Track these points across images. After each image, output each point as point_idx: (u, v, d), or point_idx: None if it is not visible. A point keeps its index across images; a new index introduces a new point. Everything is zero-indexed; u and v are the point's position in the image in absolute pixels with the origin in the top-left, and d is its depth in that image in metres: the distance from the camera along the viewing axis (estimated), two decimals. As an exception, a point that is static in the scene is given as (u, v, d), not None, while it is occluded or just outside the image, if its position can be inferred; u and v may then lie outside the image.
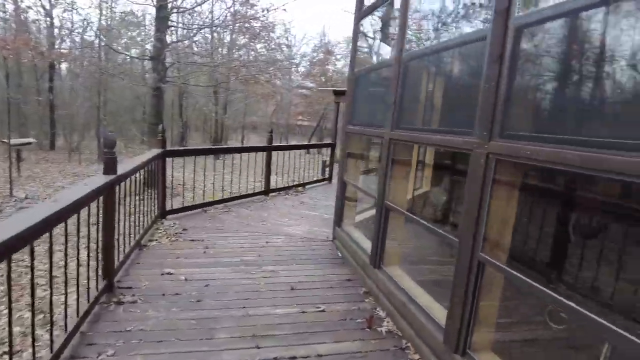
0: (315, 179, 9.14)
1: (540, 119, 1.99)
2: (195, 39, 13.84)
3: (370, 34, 4.65)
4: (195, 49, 15.70)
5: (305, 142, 38.42)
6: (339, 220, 4.81)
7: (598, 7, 1.72)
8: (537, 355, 2.97)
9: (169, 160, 5.49)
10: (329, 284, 3.74)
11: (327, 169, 9.61)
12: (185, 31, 13.55)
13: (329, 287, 3.66)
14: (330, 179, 9.57)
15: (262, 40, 17.49)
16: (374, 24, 4.58)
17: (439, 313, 2.65)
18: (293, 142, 45.54)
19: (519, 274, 2.00)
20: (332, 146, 9.43)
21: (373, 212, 5.98)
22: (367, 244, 4.04)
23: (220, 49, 19.48)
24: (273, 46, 20.47)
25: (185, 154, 5.91)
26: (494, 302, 2.32)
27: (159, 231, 4.87)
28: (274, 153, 7.59)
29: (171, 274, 3.69)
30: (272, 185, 7.64)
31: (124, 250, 3.67)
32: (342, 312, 3.20)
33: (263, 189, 7.34)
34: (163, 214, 5.34)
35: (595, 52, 1.77)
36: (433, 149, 5.59)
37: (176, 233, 4.86)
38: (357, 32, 4.52)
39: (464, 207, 2.32)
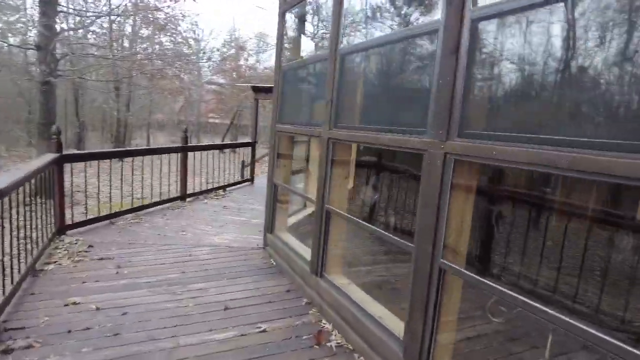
0: (235, 180, 8.66)
1: (505, 116, 1.90)
2: (92, 28, 12.31)
3: (298, 26, 4.39)
4: (92, 39, 14.08)
5: (219, 141, 37.07)
6: (270, 226, 4.50)
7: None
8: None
9: (67, 166, 4.68)
10: (267, 297, 3.42)
11: (248, 170, 9.19)
12: (78, 19, 12.03)
13: (267, 302, 3.34)
14: (252, 179, 9.16)
15: (168, 33, 16.32)
16: (302, 15, 4.32)
17: (394, 324, 2.49)
18: (206, 141, 43.64)
19: (486, 280, 1.90)
20: (253, 145, 9.02)
21: (306, 213, 5.82)
22: (306, 251, 3.80)
23: (120, 41, 17.75)
24: (180, 40, 19.27)
25: (88, 158, 5.12)
26: (455, 309, 2.22)
27: (59, 250, 4.12)
28: (190, 154, 6.97)
29: (78, 303, 3.08)
30: (189, 189, 7.03)
31: (11, 280, 2.98)
32: (286, 330, 2.91)
33: (179, 194, 6.72)
34: (62, 229, 4.55)
35: (560, 46, 1.71)
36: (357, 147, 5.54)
37: (80, 251, 4.15)
38: (282, 24, 4.23)
39: (420, 211, 2.18)
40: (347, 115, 3.10)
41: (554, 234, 3.76)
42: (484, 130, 1.91)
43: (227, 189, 8.14)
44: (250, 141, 9.06)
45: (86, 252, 4.17)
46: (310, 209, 5.82)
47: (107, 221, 5.25)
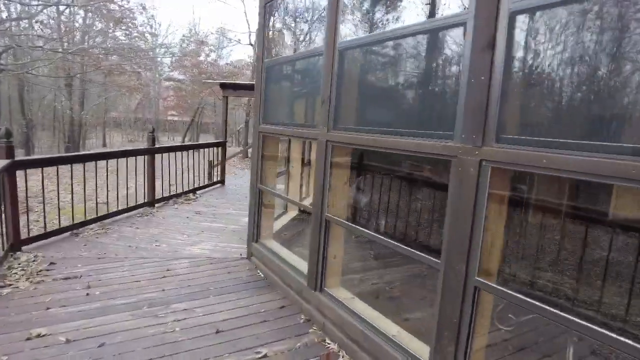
0: (205, 182, 8.20)
1: (553, 120, 1.71)
2: (40, 18, 11.31)
3: (283, 19, 4.09)
4: (38, 31, 12.98)
5: (179, 139, 35.73)
6: (255, 234, 4.18)
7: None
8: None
9: (20, 173, 4.14)
10: (261, 316, 3.13)
11: (216, 170, 8.73)
12: (21, 7, 11.02)
13: (261, 321, 3.05)
14: (223, 181, 8.73)
15: (123, 27, 15.40)
16: (287, 6, 4.03)
17: (414, 345, 2.29)
18: (165, 140, 42.16)
19: (529, 299, 1.72)
20: (223, 145, 8.59)
21: (290, 217, 5.53)
22: (299, 262, 3.53)
23: (71, 35, 16.56)
24: (136, 34, 18.30)
25: (45, 163, 4.54)
26: (486, 328, 2.03)
27: (14, 271, 3.62)
28: (157, 156, 6.48)
29: (43, 335, 2.66)
30: (158, 193, 6.56)
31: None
32: (288, 354, 2.64)
33: (147, 200, 6.23)
34: (16, 244, 4.03)
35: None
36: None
37: (40, 270, 3.67)
38: (264, 17, 3.92)
39: (450, 224, 1.97)
40: (349, 116, 2.85)
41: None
42: (530, 135, 1.72)
43: (198, 192, 7.69)
44: (220, 141, 8.62)
45: (48, 270, 3.69)
46: (293, 213, 5.56)
47: (69, 233, 4.74)
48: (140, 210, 6.02)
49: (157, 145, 6.33)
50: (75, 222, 4.89)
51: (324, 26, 2.99)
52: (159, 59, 19.27)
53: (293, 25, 3.96)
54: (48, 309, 3.02)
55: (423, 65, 2.29)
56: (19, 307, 3.02)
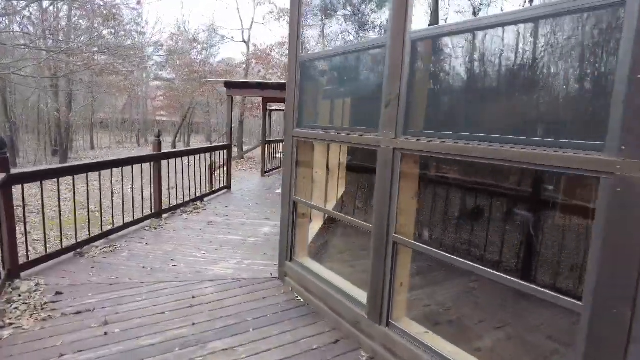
0: (211, 188, 7.67)
1: None
2: (25, 13, 10.58)
3: (321, 6, 3.61)
4: (18, 29, 12.23)
5: (170, 140, 34.86)
6: (289, 252, 3.71)
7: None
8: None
9: (16, 188, 3.60)
10: (314, 355, 2.66)
11: (218, 174, 8.17)
12: (6, 3, 10.29)
13: (319, 363, 2.58)
14: (229, 186, 8.22)
15: (111, 24, 14.67)
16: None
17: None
18: (153, 140, 41.22)
19: None
20: (229, 148, 8.07)
21: (315, 227, 5.05)
22: (349, 287, 3.08)
23: (56, 34, 15.77)
24: (122, 32, 17.56)
25: (46, 175, 3.97)
26: None
27: (14, 305, 3.09)
28: (163, 162, 5.94)
29: (60, 396, 2.16)
30: (164, 202, 6.02)
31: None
32: (363, 409, 2.18)
33: (154, 210, 5.70)
34: (14, 271, 3.49)
35: None
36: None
37: (46, 303, 3.15)
38: (299, 6, 3.43)
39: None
40: (427, 119, 2.39)
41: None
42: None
43: (205, 199, 7.17)
44: (225, 143, 8.09)
45: (54, 303, 3.17)
46: (318, 221, 5.09)
47: (73, 253, 4.20)
48: (148, 222, 5.49)
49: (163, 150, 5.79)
50: (79, 239, 4.35)
51: (385, 13, 2.53)
52: (149, 57, 18.46)
53: (335, 13, 3.48)
54: (62, 355, 2.51)
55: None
56: (26, 356, 2.50)
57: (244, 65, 21.15)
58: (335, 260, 4.21)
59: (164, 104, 28.29)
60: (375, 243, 2.63)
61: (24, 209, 3.68)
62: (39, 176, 3.79)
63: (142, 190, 5.44)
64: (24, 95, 22.54)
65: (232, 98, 8.08)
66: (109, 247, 4.49)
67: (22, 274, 3.58)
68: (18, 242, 3.62)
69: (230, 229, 5.47)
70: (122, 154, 26.33)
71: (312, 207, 3.69)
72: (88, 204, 4.53)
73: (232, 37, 33.63)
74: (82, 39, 15.25)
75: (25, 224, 3.77)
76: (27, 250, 3.73)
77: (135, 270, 3.90)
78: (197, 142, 36.78)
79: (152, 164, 5.58)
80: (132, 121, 40.03)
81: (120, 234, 4.94)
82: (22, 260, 3.66)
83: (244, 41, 21.17)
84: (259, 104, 20.59)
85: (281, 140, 12.25)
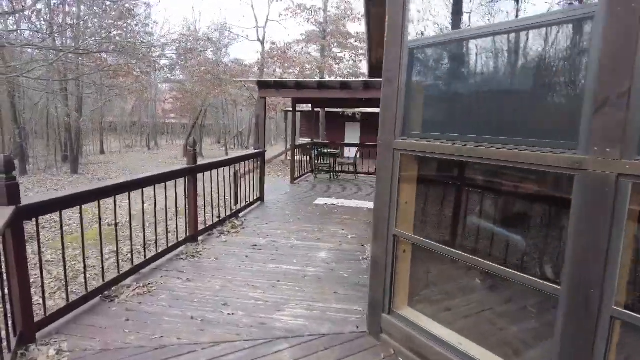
0: (247, 201, 6.80)
1: None
2: (39, 6, 9.74)
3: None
4: (25, 27, 11.44)
5: (181, 142, 34.16)
6: (386, 301, 2.81)
7: None
8: None
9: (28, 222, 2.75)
10: None
11: (242, 184, 7.26)
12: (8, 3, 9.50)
13: None
14: (262, 198, 7.35)
15: (125, 23, 13.85)
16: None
17: None
18: (163, 143, 40.54)
19: None
20: (262, 155, 7.20)
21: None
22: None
23: (63, 34, 15.01)
24: (130, 35, 16.72)
25: (65, 204, 3.05)
26: None
27: (30, 390, 2.23)
28: (198, 175, 5.06)
29: None
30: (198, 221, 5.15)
31: None
32: None
33: (189, 233, 4.84)
34: (28, 332, 2.63)
35: None
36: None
37: (72, 386, 2.28)
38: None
39: None
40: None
41: None
42: None
43: (240, 214, 6.31)
44: (259, 150, 7.21)
45: (84, 382, 2.31)
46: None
47: (100, 297, 3.35)
48: (183, 248, 4.63)
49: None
50: (107, 278, 3.49)
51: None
52: (164, 56, 17.56)
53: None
54: None
55: None
56: None
57: (259, 65, 20.31)
58: (444, 307, 3.29)
59: (174, 106, 27.57)
60: (570, 316, 1.73)
61: (39, 250, 2.82)
62: (59, 204, 2.91)
63: (176, 210, 4.57)
64: (33, 99, 21.92)
65: (264, 99, 7.21)
66: (143, 286, 3.62)
67: (38, 335, 2.72)
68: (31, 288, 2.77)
69: (281, 255, 4.59)
70: (133, 159, 25.66)
71: (433, 248, 2.74)
72: (117, 233, 3.66)
73: (247, 36, 32.89)
74: (94, 38, 14.49)
75: (41, 268, 2.90)
76: (44, 302, 2.87)
77: (182, 323, 3.02)
78: (208, 145, 36.11)
79: (186, 178, 4.71)
80: (141, 124, 39.45)
81: (152, 266, 4.08)
82: (37, 315, 2.81)
83: (258, 40, 20.34)
84: (275, 105, 19.75)
85: (310, 145, 11.38)
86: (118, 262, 3.69)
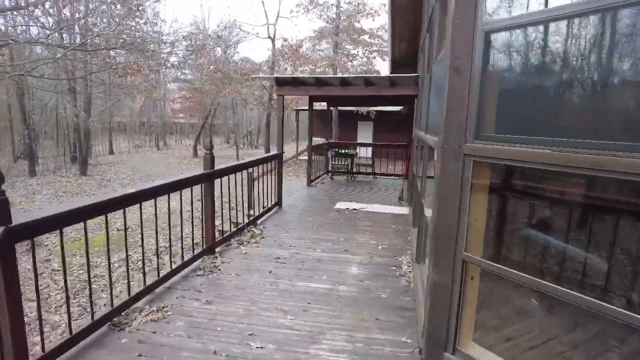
0: (265, 206, 6.34)
1: None
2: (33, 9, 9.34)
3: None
4: (31, 24, 11.08)
5: (190, 142, 33.86)
6: (450, 337, 2.33)
7: None
8: None
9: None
10: None
11: (254, 187, 6.82)
12: None
13: None
14: (280, 202, 6.90)
15: (133, 21, 13.46)
16: None
17: None
18: (174, 143, 40.29)
19: None
20: (280, 157, 6.74)
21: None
22: None
23: (69, 32, 14.67)
24: (140, 32, 16.33)
25: (69, 219, 2.55)
26: None
27: None
28: (215, 179, 4.61)
29: None
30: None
31: None
32: None
33: (206, 245, 4.39)
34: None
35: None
36: None
37: None
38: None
39: None
40: None
41: None
42: None
43: (258, 221, 5.86)
44: (276, 152, 6.74)
45: None
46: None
47: (108, 325, 2.91)
48: (199, 262, 4.18)
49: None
50: (115, 302, 3.04)
51: None
52: (174, 53, 17.08)
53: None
54: None
55: None
56: None
57: (269, 63, 19.84)
58: (515, 343, 2.78)
59: (183, 106, 27.24)
60: None
61: (35, 276, 2.37)
62: (58, 222, 2.46)
63: (192, 219, 4.12)
64: (42, 100, 21.72)
65: (282, 97, 6.74)
66: (157, 310, 3.17)
67: (35, 377, 2.28)
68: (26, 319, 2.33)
69: (307, 270, 4.13)
70: (142, 159, 25.36)
71: (521, 280, 2.24)
72: (127, 248, 3.21)
73: (258, 33, 32.52)
74: (103, 33, 14.08)
75: (38, 297, 2.45)
76: (42, 337, 2.43)
77: (201, 356, 2.57)
78: (217, 145, 35.81)
79: (202, 185, 4.26)
80: (150, 124, 39.28)
81: (167, 284, 3.64)
82: (32, 350, 2.37)
83: (269, 37, 19.89)
84: (287, 104, 19.31)
85: (327, 146, 10.91)
86: (129, 283, 3.24)
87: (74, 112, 15.38)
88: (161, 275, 3.59)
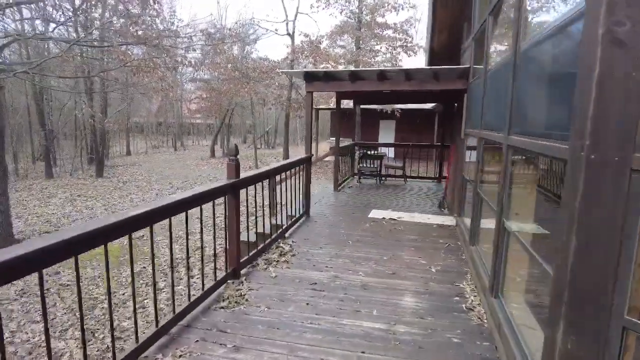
0: (292, 216, 5.65)
1: None
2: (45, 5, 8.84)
3: None
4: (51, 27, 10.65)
5: (207, 143, 33.46)
6: None
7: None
8: None
9: None
10: None
11: (279, 194, 6.15)
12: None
13: None
14: (308, 211, 6.20)
15: (149, 13, 12.93)
16: None
17: None
18: (189, 144, 40.04)
19: None
20: (308, 161, 6.04)
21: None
22: None
23: (86, 31, 14.25)
24: (156, 31, 15.84)
25: (51, 257, 1.95)
26: None
27: None
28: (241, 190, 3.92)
29: None
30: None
31: None
32: None
33: (229, 268, 3.72)
34: None
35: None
36: None
37: None
38: None
39: None
40: None
41: None
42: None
43: (286, 234, 5.18)
44: (305, 156, 6.03)
45: None
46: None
47: (109, 387, 2.24)
48: (222, 289, 3.51)
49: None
50: (121, 352, 2.38)
51: None
52: (192, 48, 16.39)
53: None
54: None
55: None
56: None
57: (288, 60, 19.15)
58: None
59: (199, 106, 26.77)
60: None
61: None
62: (29, 266, 1.80)
63: (214, 239, 3.44)
64: (61, 101, 21.55)
65: (311, 94, 6.04)
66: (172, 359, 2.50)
67: None
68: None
69: (352, 300, 3.41)
70: (159, 161, 24.99)
71: None
72: (133, 284, 2.55)
73: (276, 30, 31.94)
74: (114, 32, 13.59)
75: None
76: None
77: None
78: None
79: (226, 197, 3.58)
80: (167, 125, 39.11)
81: (184, 321, 2.97)
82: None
83: (288, 33, 19.22)
84: (302, 104, 18.62)
85: (353, 147, 10.17)
86: (136, 325, 2.58)
87: (90, 113, 14.98)
88: (177, 311, 2.93)
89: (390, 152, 15.96)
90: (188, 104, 34.88)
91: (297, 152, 24.95)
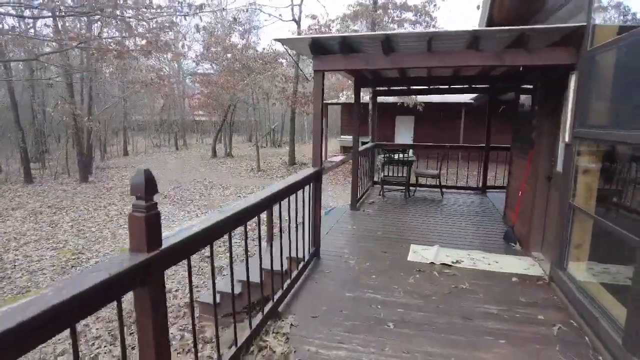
0: (291, 269, 3.63)
1: None
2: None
3: None
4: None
5: (210, 141, 31.53)
6: None
7: None
8: None
9: None
10: None
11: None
12: None
13: None
14: (318, 250, 4.18)
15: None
16: None
17: None
18: (193, 142, 38.20)
19: None
20: (318, 178, 4.00)
21: None
22: None
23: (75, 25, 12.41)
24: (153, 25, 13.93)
25: None
26: None
27: None
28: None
29: None
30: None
31: None
32: None
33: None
34: None
35: None
36: None
37: None
38: None
39: None
40: None
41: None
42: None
43: (281, 304, 3.16)
44: (312, 171, 3.98)
45: None
46: None
47: None
48: None
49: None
50: None
51: None
52: (185, 18, 14.24)
53: None
54: None
55: None
56: None
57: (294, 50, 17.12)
58: None
59: (201, 102, 24.86)
60: None
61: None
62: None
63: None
64: (53, 99, 19.88)
65: (322, 77, 4.01)
66: None
67: None
68: None
69: None
70: (156, 161, 23.15)
71: None
72: None
73: (280, 15, 29.81)
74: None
75: None
76: None
77: None
78: (239, 144, 33.47)
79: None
80: (170, 122, 37.32)
81: None
82: None
83: (293, 19, 17.14)
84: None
85: (373, 149, 8.09)
86: None
87: (71, 110, 13.14)
88: None
89: (409, 153, 13.86)
90: (190, 100, 33.04)
91: (305, 151, 22.90)
